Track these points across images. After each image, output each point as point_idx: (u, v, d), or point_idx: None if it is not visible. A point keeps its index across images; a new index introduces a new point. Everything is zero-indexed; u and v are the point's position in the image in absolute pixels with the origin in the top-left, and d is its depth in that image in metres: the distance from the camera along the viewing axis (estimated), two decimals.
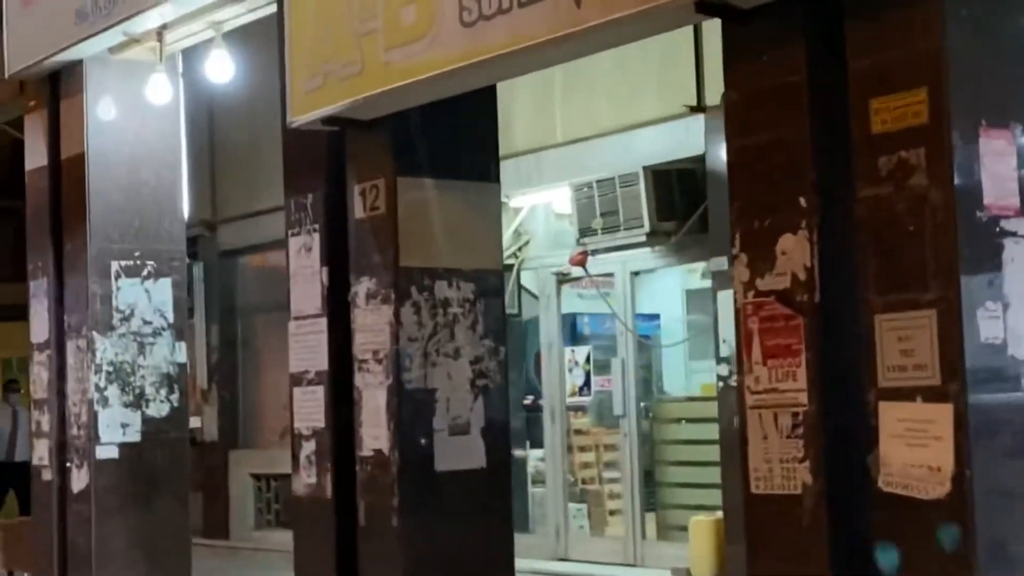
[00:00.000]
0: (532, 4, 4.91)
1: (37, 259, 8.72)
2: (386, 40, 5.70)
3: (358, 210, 6.31)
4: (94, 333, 8.24)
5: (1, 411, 13.57)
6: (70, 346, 8.42)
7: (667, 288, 10.25)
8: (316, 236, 6.56)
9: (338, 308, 6.44)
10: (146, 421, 8.37)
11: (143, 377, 8.39)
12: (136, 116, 8.44)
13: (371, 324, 6.24)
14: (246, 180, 11.94)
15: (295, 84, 6.21)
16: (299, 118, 6.22)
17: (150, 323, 8.44)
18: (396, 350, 6.10)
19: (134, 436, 8.32)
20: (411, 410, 6.10)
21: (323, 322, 6.51)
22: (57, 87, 8.60)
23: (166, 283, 8.51)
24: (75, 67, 8.34)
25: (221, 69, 7.78)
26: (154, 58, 8.18)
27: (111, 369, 8.28)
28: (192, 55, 8.49)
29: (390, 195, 6.14)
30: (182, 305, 8.60)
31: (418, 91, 5.66)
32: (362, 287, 6.29)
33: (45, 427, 8.62)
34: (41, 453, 8.64)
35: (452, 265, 6.27)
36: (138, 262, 8.41)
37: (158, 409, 8.43)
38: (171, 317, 8.50)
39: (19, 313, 14.05)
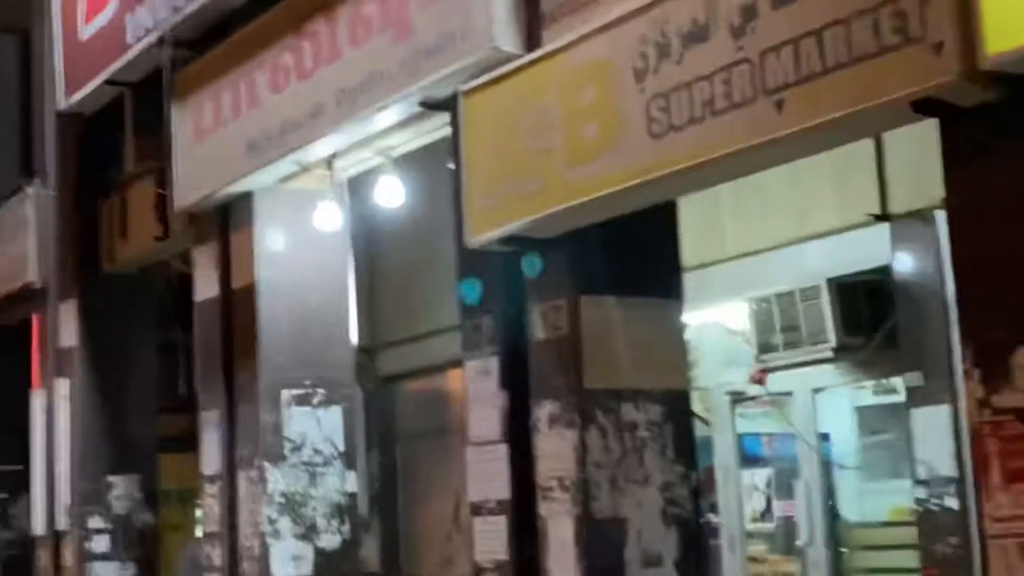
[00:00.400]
0: (728, 111, 4.72)
1: (209, 390, 8.71)
2: (567, 157, 5.56)
3: (538, 331, 6.12)
4: (265, 463, 8.14)
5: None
6: (241, 477, 8.34)
7: (837, 406, 9.80)
8: (495, 359, 6.37)
9: (519, 434, 6.23)
10: (318, 553, 8.20)
11: (314, 508, 8.25)
12: (304, 244, 8.44)
13: (555, 450, 6.00)
14: (405, 304, 11.82)
15: (472, 204, 6.09)
16: (476, 238, 6.08)
17: (320, 452, 8.33)
18: (583, 477, 5.84)
19: (306, 569, 8.16)
20: (600, 541, 5.81)
21: (503, 448, 6.28)
22: (226, 219, 8.67)
23: (336, 411, 8.41)
24: (244, 198, 8.40)
25: (391, 195, 7.73)
26: (322, 186, 8.20)
27: (283, 500, 8.16)
28: (353, 181, 8.49)
29: (572, 315, 5.94)
30: (351, 433, 8.47)
31: (602, 206, 5.49)
32: (544, 411, 6.06)
33: (217, 561, 8.51)
34: None
35: (638, 386, 6.02)
36: (308, 390, 8.33)
37: (329, 541, 8.26)
38: (341, 445, 8.38)
39: (181, 445, 14.12)
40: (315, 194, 8.27)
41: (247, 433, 8.31)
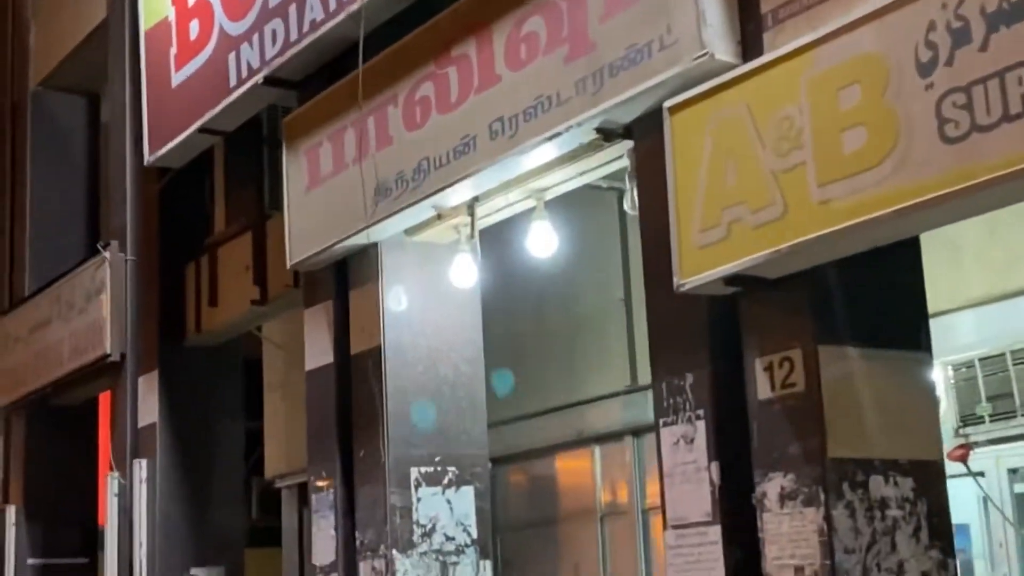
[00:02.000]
0: None
1: (321, 469, 7.71)
2: (819, 174, 4.62)
3: (763, 389, 5.12)
4: (394, 552, 7.12)
5: None
6: (364, 568, 7.30)
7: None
8: (700, 424, 5.38)
9: (735, 513, 5.21)
10: None
11: None
12: (433, 305, 7.50)
13: (790, 532, 4.97)
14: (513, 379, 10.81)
15: (684, 240, 5.13)
16: (691, 280, 5.11)
17: (452, 539, 7.30)
18: (830, 565, 4.81)
19: None
20: None
21: (716, 531, 5.26)
22: (344, 276, 7.75)
23: (468, 492, 7.40)
24: (368, 252, 7.47)
25: (543, 243, 6.80)
26: (454, 237, 7.28)
27: None
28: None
29: (810, 368, 4.95)
30: (485, 517, 7.45)
31: (869, 232, 4.52)
32: (773, 485, 5.04)
33: None
34: None
35: (887, 455, 5.01)
36: (439, 468, 7.34)
37: None
38: (474, 531, 7.36)
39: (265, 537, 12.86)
40: (444, 248, 7.38)
41: (370, 517, 7.29)
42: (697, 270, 5.07)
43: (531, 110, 6.09)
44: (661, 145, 5.32)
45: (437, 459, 7.33)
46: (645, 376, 8.12)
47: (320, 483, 7.73)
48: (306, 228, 7.75)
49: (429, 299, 7.49)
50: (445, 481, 7.33)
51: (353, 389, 7.58)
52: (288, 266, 7.86)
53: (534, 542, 11.03)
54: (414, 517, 7.21)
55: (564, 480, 10.50)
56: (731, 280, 5.01)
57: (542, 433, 10.16)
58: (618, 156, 6.17)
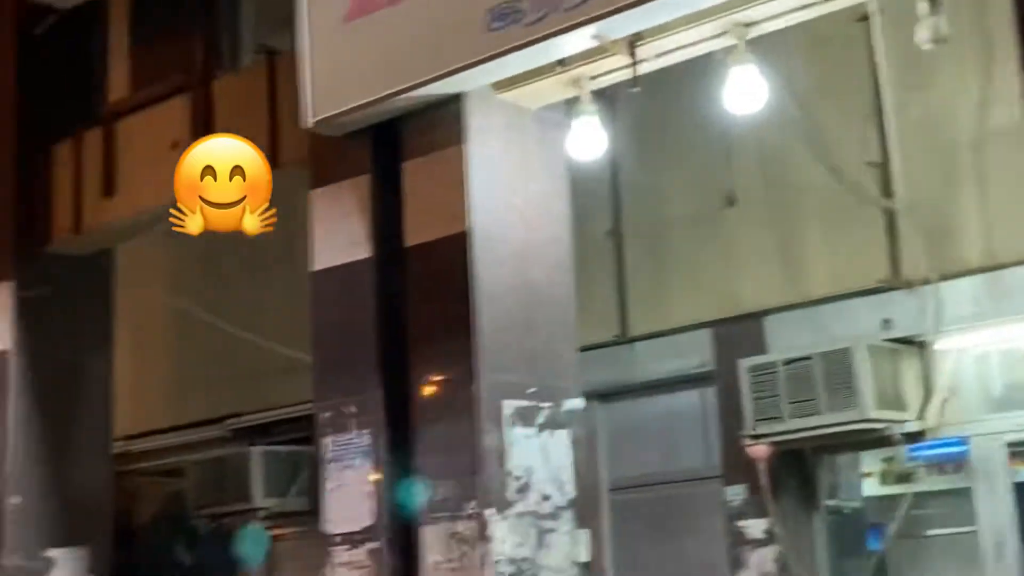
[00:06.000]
0: None
1: (348, 402, 5.59)
2: None
3: None
4: (489, 512, 5.16)
5: None
6: (433, 534, 5.27)
7: None
8: None
9: None
10: None
11: None
12: (520, 186, 5.63)
13: None
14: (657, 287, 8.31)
15: None
16: None
17: (548, 498, 5.42)
18: None
19: None
20: None
21: None
22: (388, 142, 5.72)
23: (563, 437, 5.54)
24: (444, 110, 5.49)
25: (749, 96, 5.09)
26: (566, 95, 5.48)
27: (512, 571, 5.18)
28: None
29: None
30: (582, 471, 5.60)
31: None
32: None
33: None
34: None
35: None
36: (532, 403, 5.44)
37: None
38: (571, 489, 5.50)
39: None
40: (538, 116, 5.57)
41: (445, 465, 5.29)
42: None
43: None
44: None
45: (530, 391, 5.44)
46: None
47: (337, 420, 5.63)
48: (342, 73, 5.66)
49: (517, 179, 5.62)
50: (540, 421, 5.45)
51: (408, 293, 5.56)
52: (308, 123, 5.71)
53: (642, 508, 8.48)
54: (506, 467, 5.29)
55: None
56: None
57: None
58: None
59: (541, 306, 5.58)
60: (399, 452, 5.45)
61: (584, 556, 5.48)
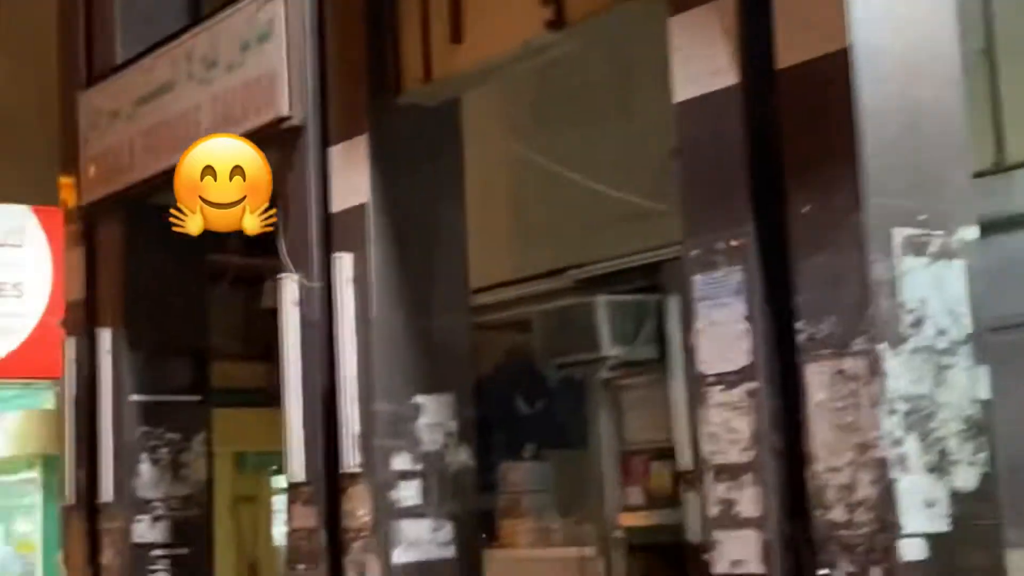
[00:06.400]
0: None
1: (720, 238, 5.35)
2: None
3: None
4: (881, 347, 4.83)
5: None
6: (815, 372, 5.00)
7: None
8: None
9: None
10: (953, 497, 4.93)
11: (944, 423, 4.97)
12: None
13: None
14: None
15: None
16: None
17: (944, 333, 5.04)
18: None
19: (941, 524, 4.88)
20: None
21: None
22: None
23: (959, 268, 5.13)
24: None
25: None
26: None
27: (907, 409, 4.87)
28: None
29: None
30: (978, 303, 5.18)
31: None
32: None
33: (751, 509, 5.20)
34: (747, 551, 5.20)
35: None
36: (923, 232, 5.05)
37: (965, 478, 4.99)
38: (969, 323, 5.10)
39: (252, 399, 11.04)
40: None
41: (827, 299, 4.98)
42: None
43: None
44: None
45: (920, 218, 5.03)
46: None
47: (709, 257, 5.40)
48: None
49: None
50: (933, 250, 5.05)
51: (781, 118, 5.22)
52: None
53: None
54: (898, 299, 4.93)
55: None
56: None
57: None
58: None
59: (930, 126, 5.13)
60: (775, 287, 5.18)
61: (984, 393, 5.09)
